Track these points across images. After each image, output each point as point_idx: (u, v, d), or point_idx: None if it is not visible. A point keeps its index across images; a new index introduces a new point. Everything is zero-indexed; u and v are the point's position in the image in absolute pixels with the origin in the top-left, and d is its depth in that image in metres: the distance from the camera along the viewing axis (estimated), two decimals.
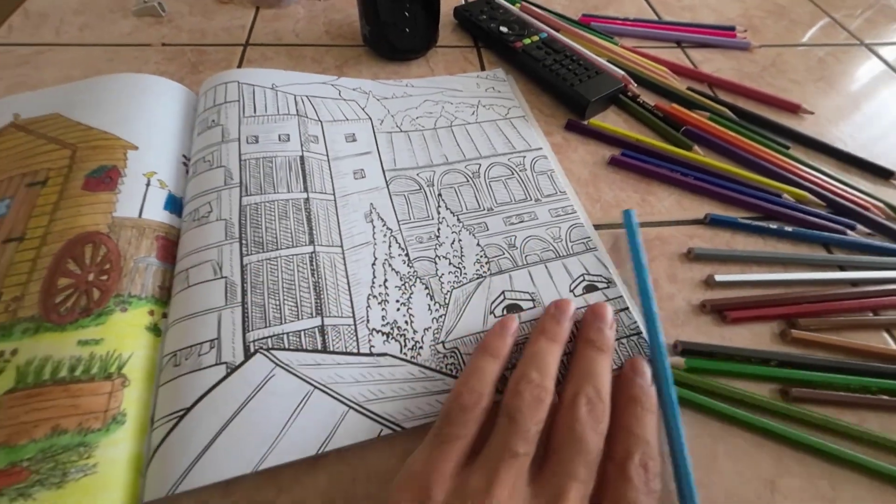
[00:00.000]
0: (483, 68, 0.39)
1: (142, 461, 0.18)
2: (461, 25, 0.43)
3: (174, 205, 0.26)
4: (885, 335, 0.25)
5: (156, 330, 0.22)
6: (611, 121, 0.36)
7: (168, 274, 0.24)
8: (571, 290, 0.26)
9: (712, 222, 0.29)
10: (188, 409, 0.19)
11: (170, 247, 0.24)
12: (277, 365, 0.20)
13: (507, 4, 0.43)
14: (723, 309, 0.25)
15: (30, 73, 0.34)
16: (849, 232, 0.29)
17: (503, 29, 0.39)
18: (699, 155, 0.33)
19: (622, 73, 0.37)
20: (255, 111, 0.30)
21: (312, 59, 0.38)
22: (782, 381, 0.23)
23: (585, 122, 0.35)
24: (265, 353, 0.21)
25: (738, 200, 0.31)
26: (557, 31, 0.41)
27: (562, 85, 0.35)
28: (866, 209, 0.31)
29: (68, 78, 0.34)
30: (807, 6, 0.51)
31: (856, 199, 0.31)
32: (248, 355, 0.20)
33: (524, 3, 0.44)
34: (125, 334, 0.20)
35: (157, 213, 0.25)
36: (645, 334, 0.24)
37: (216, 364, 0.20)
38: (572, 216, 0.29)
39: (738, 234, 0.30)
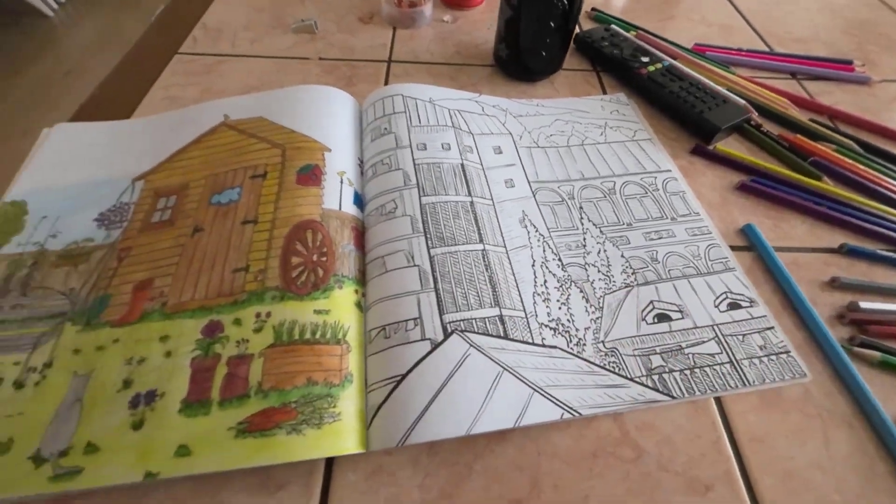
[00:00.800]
0: (604, 91, 0.42)
1: (363, 416, 0.22)
2: (579, 50, 0.46)
3: (358, 201, 0.30)
4: None
5: (359, 306, 0.25)
6: (734, 148, 0.37)
7: (361, 260, 0.27)
8: (716, 306, 0.27)
9: (849, 252, 0.30)
10: (404, 376, 0.22)
11: (359, 237, 0.28)
12: (471, 345, 0.23)
13: (625, 33, 0.45)
14: (865, 323, 0.27)
15: (215, 80, 0.40)
16: None
17: (626, 55, 0.42)
18: (828, 185, 0.34)
19: (744, 102, 0.39)
20: (419, 122, 0.33)
21: (449, 77, 0.42)
22: None
23: (712, 148, 0.36)
24: (460, 334, 0.24)
25: (871, 232, 0.32)
26: (675, 59, 0.43)
27: (690, 111, 0.37)
28: None
29: (246, 85, 0.39)
30: None
31: None
32: (446, 334, 0.23)
33: (640, 32, 0.47)
34: (344, 308, 0.24)
35: (349, 207, 0.29)
36: (796, 355, 0.25)
37: (422, 339, 0.23)
38: (708, 236, 0.31)
39: (875, 265, 0.30)
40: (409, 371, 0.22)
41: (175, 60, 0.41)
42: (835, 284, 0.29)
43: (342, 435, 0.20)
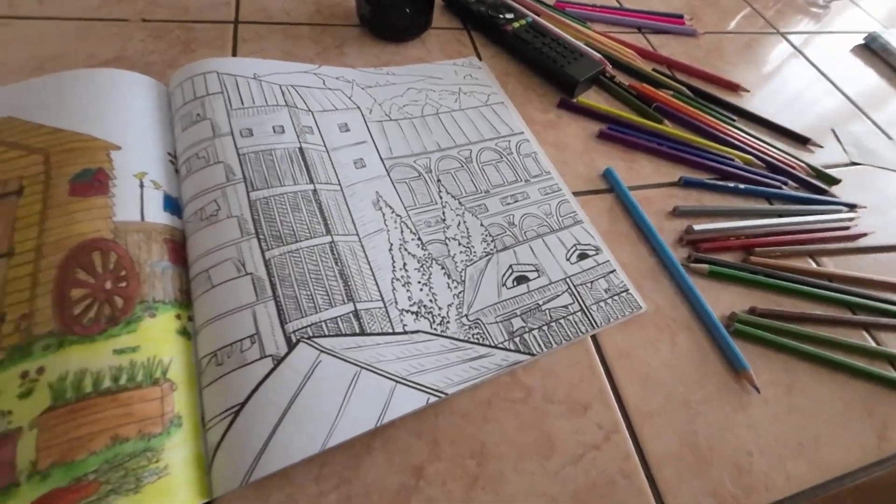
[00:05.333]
0: (476, 50, 0.41)
1: (203, 460, 0.19)
2: (449, 8, 0.43)
3: (172, 205, 0.25)
4: (810, 260, 0.34)
5: (185, 333, 0.21)
6: (593, 99, 0.40)
7: (184, 277, 0.23)
8: (567, 259, 0.29)
9: (685, 184, 0.35)
10: (243, 404, 0.19)
11: (178, 249, 0.24)
12: (322, 351, 0.21)
13: None
14: (698, 241, 0.32)
15: None
16: (783, 187, 0.37)
17: (492, 13, 0.41)
18: (668, 127, 0.39)
19: (599, 56, 0.41)
20: (242, 103, 0.29)
21: (311, 39, 0.37)
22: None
23: (575, 101, 0.38)
24: (307, 341, 0.21)
25: (702, 164, 0.37)
26: (538, 15, 0.44)
27: (552, 66, 0.38)
28: (794, 168, 0.38)
29: (37, 58, 0.30)
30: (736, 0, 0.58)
31: (786, 161, 0.39)
32: (291, 346, 0.21)
33: None
34: (160, 339, 0.20)
35: (158, 215, 0.24)
36: (634, 291, 0.28)
37: (261, 358, 0.20)
38: (559, 193, 0.32)
39: (705, 192, 0.36)
40: (249, 397, 0.19)
41: None
42: (675, 213, 0.34)
43: (172, 490, 0.17)
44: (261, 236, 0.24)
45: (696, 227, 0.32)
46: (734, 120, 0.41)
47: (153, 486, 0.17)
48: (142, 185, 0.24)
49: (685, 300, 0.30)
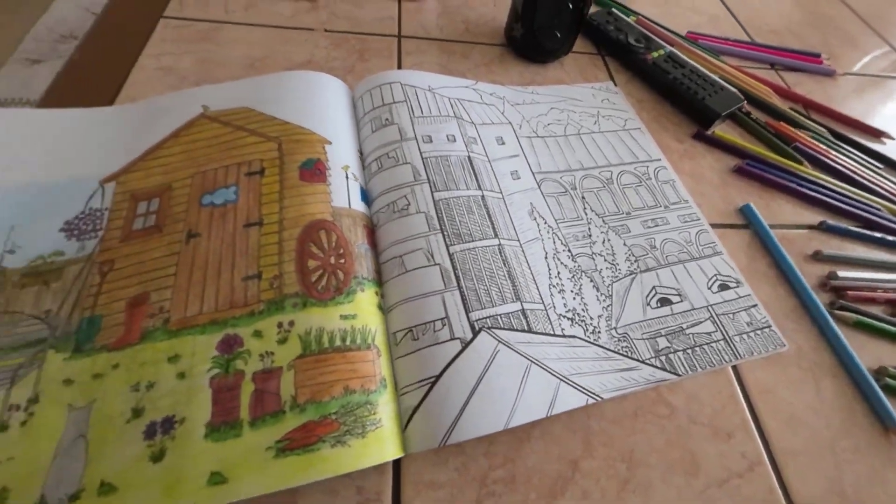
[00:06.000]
0: (610, 75, 0.43)
1: (399, 420, 0.22)
2: (584, 33, 0.46)
3: (364, 196, 0.29)
4: None
5: (381, 308, 0.25)
6: (728, 133, 0.40)
7: (375, 259, 0.26)
8: (709, 288, 0.30)
9: (827, 229, 0.35)
10: (438, 377, 0.22)
11: (370, 235, 0.27)
12: (500, 342, 0.24)
13: (626, 17, 0.46)
14: (842, 289, 0.31)
15: (213, 49, 0.36)
16: None
17: (632, 42, 0.43)
18: (808, 169, 0.38)
19: (735, 90, 0.42)
20: (422, 112, 0.32)
21: (462, 55, 0.41)
22: None
23: (711, 133, 0.39)
24: (488, 331, 0.24)
25: (844, 211, 0.36)
26: (672, 45, 0.45)
27: (693, 98, 0.39)
28: None
29: (249, 57, 0.36)
30: (873, 38, 0.56)
31: None
32: (475, 332, 0.24)
33: (640, 18, 0.48)
34: (368, 311, 0.23)
35: (357, 203, 0.27)
36: (776, 329, 0.28)
37: (451, 339, 0.23)
38: (697, 223, 0.33)
39: (847, 239, 0.35)
40: (443, 371, 0.22)
41: (162, 25, 0.37)
42: (817, 257, 0.33)
43: (385, 441, 0.20)
44: (444, 232, 0.27)
45: (841, 273, 0.32)
46: (880, 167, 0.40)
47: (373, 434, 0.20)
48: (347, 177, 0.28)
49: (828, 346, 0.29)
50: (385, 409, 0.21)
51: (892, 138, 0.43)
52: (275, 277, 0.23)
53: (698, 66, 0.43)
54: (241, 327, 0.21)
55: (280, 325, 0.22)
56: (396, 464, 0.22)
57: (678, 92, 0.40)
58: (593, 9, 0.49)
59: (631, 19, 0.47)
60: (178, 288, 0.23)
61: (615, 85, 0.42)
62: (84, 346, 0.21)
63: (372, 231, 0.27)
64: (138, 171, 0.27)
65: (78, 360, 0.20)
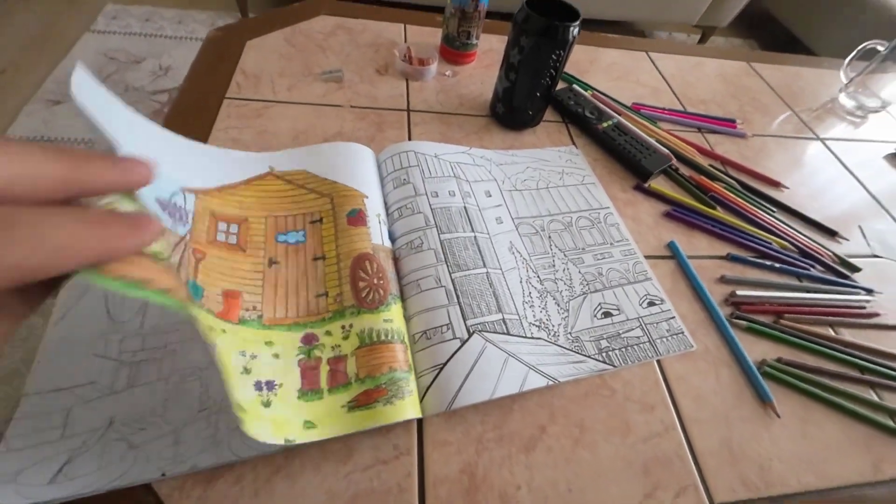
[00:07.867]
0: (572, 139, 0.55)
1: (419, 392, 0.32)
2: (553, 106, 0.59)
3: (391, 236, 0.39)
4: (830, 329, 0.43)
5: (405, 317, 0.35)
6: (662, 185, 0.53)
7: (398, 283, 0.37)
8: (640, 305, 0.41)
9: (732, 259, 0.47)
10: (444, 364, 0.32)
11: (396, 264, 0.38)
12: (487, 341, 0.34)
13: (584, 92, 0.59)
14: (740, 304, 0.43)
15: (266, 123, 0.47)
16: (811, 269, 0.47)
17: (587, 113, 0.56)
18: (720, 213, 0.50)
19: (667, 151, 0.54)
20: (430, 174, 0.44)
21: (457, 126, 0.53)
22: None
23: (647, 186, 0.51)
24: (479, 333, 0.34)
25: (746, 245, 0.48)
26: (619, 115, 0.58)
27: (632, 159, 0.52)
28: (822, 255, 0.49)
29: (295, 129, 0.47)
30: (781, 106, 0.70)
31: (815, 248, 0.49)
32: (469, 334, 0.34)
33: (595, 93, 0.61)
34: (398, 318, 0.34)
35: (387, 242, 0.38)
36: (687, 334, 0.39)
37: (453, 339, 0.34)
38: (634, 256, 0.45)
39: (747, 267, 0.47)
40: (448, 361, 0.32)
41: (226, 104, 0.48)
42: (723, 280, 0.45)
43: (412, 405, 0.30)
44: (448, 263, 0.38)
45: (739, 292, 0.43)
46: (774, 211, 0.52)
47: (408, 399, 0.30)
48: (379, 222, 0.39)
49: (727, 346, 0.40)
50: (412, 383, 0.31)
51: (787, 187, 0.56)
52: (337, 295, 0.33)
53: (640, 132, 0.56)
54: (316, 328, 0.31)
55: (343, 326, 0.32)
56: (420, 429, 0.31)
57: (623, 154, 0.53)
58: (560, 84, 0.63)
59: (588, 93, 0.60)
60: (266, 297, 0.32)
61: (576, 147, 0.54)
62: (196, 298, 0.26)
63: (396, 261, 0.38)
64: (214, 196, 0.32)
65: (194, 305, 0.21)
